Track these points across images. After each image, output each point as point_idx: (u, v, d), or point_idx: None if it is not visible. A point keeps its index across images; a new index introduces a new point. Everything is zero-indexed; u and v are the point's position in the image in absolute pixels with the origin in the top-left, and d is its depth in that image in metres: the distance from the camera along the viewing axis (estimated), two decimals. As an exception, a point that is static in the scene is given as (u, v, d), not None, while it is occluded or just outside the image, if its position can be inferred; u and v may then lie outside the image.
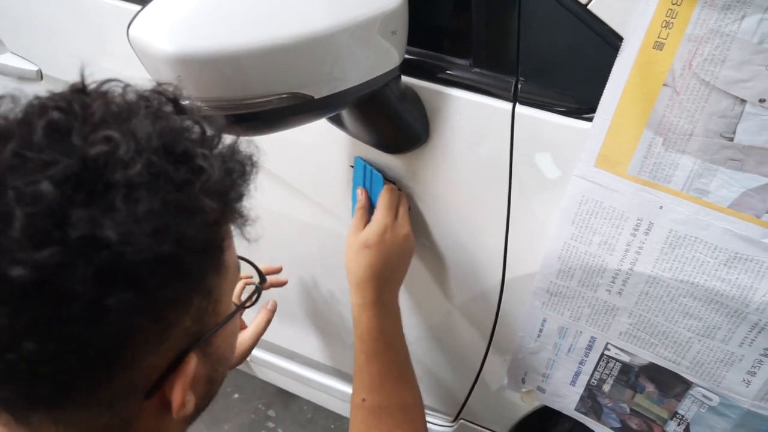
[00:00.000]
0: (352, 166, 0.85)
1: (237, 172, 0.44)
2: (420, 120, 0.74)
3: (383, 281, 0.77)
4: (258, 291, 0.58)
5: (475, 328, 0.92)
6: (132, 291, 0.36)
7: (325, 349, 1.25)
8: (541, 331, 0.82)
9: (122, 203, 0.35)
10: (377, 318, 0.75)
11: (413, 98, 0.73)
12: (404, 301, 0.87)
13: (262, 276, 0.59)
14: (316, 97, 0.59)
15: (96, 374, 0.39)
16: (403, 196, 0.82)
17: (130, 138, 0.37)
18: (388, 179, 0.82)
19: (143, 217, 0.36)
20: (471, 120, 0.73)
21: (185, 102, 0.45)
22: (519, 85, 0.68)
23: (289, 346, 1.32)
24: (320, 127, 0.82)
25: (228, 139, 0.45)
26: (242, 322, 0.93)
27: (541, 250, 0.74)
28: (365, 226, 0.80)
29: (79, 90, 0.41)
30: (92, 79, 0.42)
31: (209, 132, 0.43)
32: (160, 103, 0.42)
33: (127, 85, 0.42)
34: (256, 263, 0.61)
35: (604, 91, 0.62)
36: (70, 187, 0.35)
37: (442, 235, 0.84)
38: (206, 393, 0.50)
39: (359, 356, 0.75)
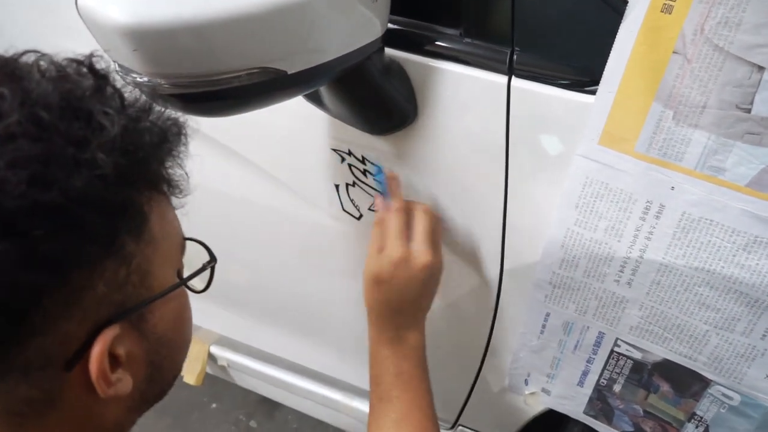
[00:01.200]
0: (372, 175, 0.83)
1: (153, 135, 0.48)
2: (407, 97, 0.74)
3: (402, 316, 0.75)
4: (204, 268, 0.59)
5: (473, 325, 0.92)
6: (11, 240, 0.38)
7: (310, 353, 1.26)
8: (544, 326, 0.82)
9: None
10: (394, 358, 0.75)
11: (398, 73, 0.73)
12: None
13: (211, 254, 0.60)
14: (289, 72, 0.58)
15: (1, 334, 0.41)
16: (423, 212, 0.76)
17: (18, 94, 0.41)
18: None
19: (19, 163, 0.38)
20: (462, 95, 0.73)
21: (103, 70, 0.48)
22: (514, 56, 0.68)
23: (270, 349, 1.32)
24: (296, 107, 0.81)
25: (151, 104, 0.49)
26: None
27: (543, 238, 0.75)
28: (383, 250, 0.75)
29: None
30: (13, 51, 0.45)
31: (128, 97, 0.47)
32: (73, 70, 0.46)
33: (42, 55, 0.45)
34: (207, 243, 0.62)
35: (608, 60, 0.62)
36: None
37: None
38: (150, 378, 0.51)
39: (373, 399, 0.75)
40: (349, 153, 0.84)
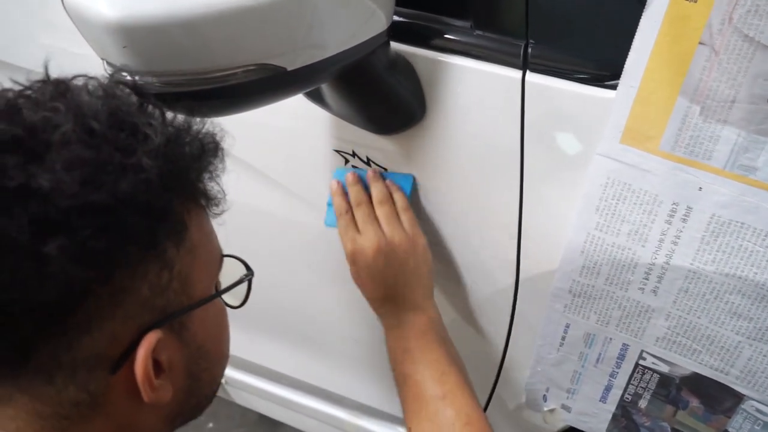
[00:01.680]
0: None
1: (193, 148, 0.52)
2: (414, 94, 0.74)
3: (399, 301, 0.80)
4: (242, 281, 0.63)
5: (486, 338, 0.92)
6: (64, 237, 0.43)
7: (314, 367, 1.25)
8: (563, 338, 0.82)
9: (56, 156, 0.44)
10: (400, 340, 0.79)
11: (405, 68, 0.73)
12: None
13: (248, 268, 0.64)
14: (289, 69, 0.58)
15: (49, 333, 0.45)
16: (387, 188, 0.81)
17: (71, 108, 0.46)
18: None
19: (74, 167, 0.44)
20: (474, 92, 0.72)
21: (146, 90, 0.52)
22: (529, 49, 0.68)
23: (271, 364, 1.32)
24: (296, 106, 0.81)
25: (191, 120, 0.53)
26: None
27: (561, 244, 0.74)
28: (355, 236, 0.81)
29: (42, 81, 0.49)
30: (60, 73, 0.50)
31: (167, 113, 0.51)
32: (119, 90, 0.50)
33: (90, 78, 0.50)
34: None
35: (630, 53, 0.62)
36: (10, 147, 0.44)
37: (444, 228, 0.84)
38: (189, 389, 0.56)
39: (396, 385, 0.80)
40: (354, 154, 0.84)
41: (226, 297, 0.61)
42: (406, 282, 0.80)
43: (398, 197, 0.82)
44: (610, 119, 0.65)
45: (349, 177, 0.83)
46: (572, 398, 0.87)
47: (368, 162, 0.83)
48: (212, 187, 0.56)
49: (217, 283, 0.59)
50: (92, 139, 0.45)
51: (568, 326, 0.80)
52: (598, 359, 0.81)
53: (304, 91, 0.75)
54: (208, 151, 0.54)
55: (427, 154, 0.79)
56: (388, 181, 0.82)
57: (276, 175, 0.95)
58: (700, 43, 0.58)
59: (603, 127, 0.66)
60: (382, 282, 0.80)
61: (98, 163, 0.45)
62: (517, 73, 0.69)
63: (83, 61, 0.52)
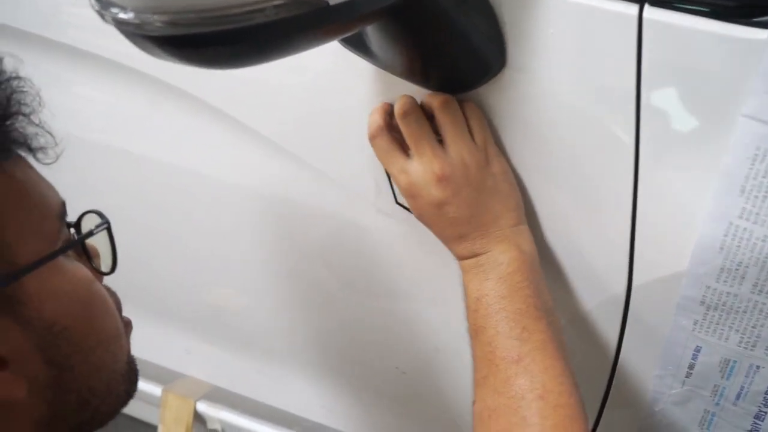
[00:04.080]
0: None
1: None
2: (490, 37, 0.73)
3: (478, 234, 0.80)
4: (91, 233, 0.68)
5: (583, 372, 0.90)
6: None
7: (338, 409, 1.26)
8: (692, 367, 0.81)
9: None
10: (478, 284, 0.80)
11: (478, 3, 0.72)
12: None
13: (102, 216, 0.69)
14: (331, 2, 0.57)
15: None
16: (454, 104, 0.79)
17: None
18: None
19: None
20: (572, 34, 0.72)
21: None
22: (648, -26, 0.67)
23: (282, 404, 1.33)
24: (327, 57, 0.82)
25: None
26: None
27: (690, 239, 0.73)
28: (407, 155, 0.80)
29: None
30: None
31: None
32: None
33: None
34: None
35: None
36: None
37: (528, 217, 0.84)
38: (56, 383, 0.58)
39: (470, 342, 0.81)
40: None
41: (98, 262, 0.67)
42: (485, 209, 0.80)
43: (468, 107, 0.80)
44: (761, 68, 0.64)
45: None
46: (702, 448, 0.87)
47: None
48: (28, 131, 0.60)
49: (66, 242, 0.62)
50: None
51: (698, 350, 0.79)
52: (739, 395, 0.80)
53: (347, 35, 0.74)
54: (14, 95, 0.58)
55: (506, 118, 0.78)
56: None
57: (297, 149, 0.95)
58: None
59: (750, 80, 0.65)
60: (454, 216, 0.79)
61: None
62: (632, 8, 0.68)
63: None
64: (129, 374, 0.69)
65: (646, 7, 0.68)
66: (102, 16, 0.56)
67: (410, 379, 1.10)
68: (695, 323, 0.78)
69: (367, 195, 0.92)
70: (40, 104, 0.60)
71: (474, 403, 0.76)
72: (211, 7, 0.54)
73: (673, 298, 0.77)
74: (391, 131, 0.80)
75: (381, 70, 0.81)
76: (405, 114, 0.78)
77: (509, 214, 0.81)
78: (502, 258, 0.79)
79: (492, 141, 0.80)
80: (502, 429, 0.71)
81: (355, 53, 0.81)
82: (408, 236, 0.94)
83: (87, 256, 0.69)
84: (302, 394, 1.28)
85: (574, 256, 0.84)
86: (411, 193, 0.80)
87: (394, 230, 0.95)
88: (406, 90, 0.80)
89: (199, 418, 1.46)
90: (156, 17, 0.54)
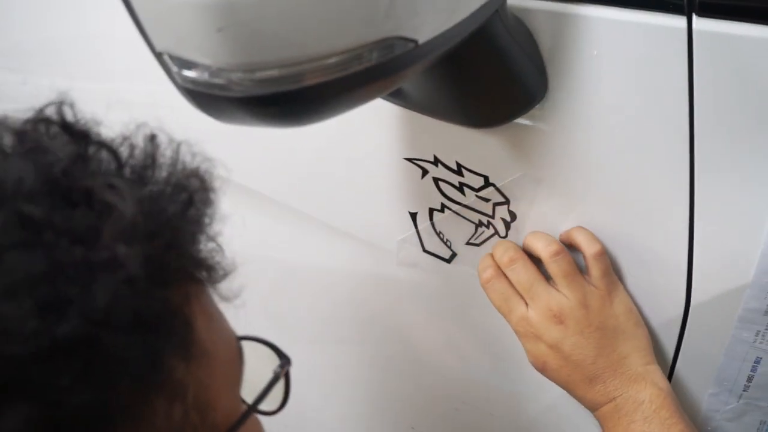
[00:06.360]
0: None
1: (177, 201, 0.48)
2: (534, 65, 0.72)
3: (608, 377, 0.78)
4: (276, 379, 0.59)
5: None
6: (30, 403, 0.38)
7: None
8: (750, 379, 0.80)
9: None
10: (619, 429, 0.77)
11: (521, 30, 0.71)
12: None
13: (281, 355, 0.61)
14: (420, 41, 0.54)
15: None
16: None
17: None
18: None
19: (19, 289, 0.38)
20: (616, 54, 0.70)
21: (79, 123, 0.48)
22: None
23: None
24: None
25: (157, 154, 0.50)
26: None
27: (755, 250, 0.72)
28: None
29: None
30: None
31: (121, 155, 0.48)
32: (41, 133, 0.47)
33: None
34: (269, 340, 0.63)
35: None
36: None
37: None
38: None
39: None
40: (436, 161, 0.82)
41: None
42: (611, 349, 0.78)
43: (579, 234, 0.80)
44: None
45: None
46: (757, 462, 0.86)
47: (459, 170, 0.80)
48: (209, 248, 0.52)
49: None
50: (33, 235, 0.40)
51: (758, 361, 0.78)
52: (800, 402, 0.80)
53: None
54: (195, 195, 0.50)
55: (549, 147, 0.77)
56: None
57: (310, 206, 0.93)
58: None
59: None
60: (579, 357, 0.78)
61: (53, 272, 0.40)
62: (680, 21, 0.67)
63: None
64: None
65: (695, 17, 0.67)
66: (175, 80, 0.51)
67: None
68: (757, 334, 0.77)
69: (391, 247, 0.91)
70: (215, 203, 0.52)
71: None
72: (310, 58, 0.50)
73: (731, 313, 0.77)
74: (499, 271, 0.81)
75: (405, 111, 0.79)
76: (512, 261, 0.79)
77: (638, 353, 0.79)
78: (642, 396, 0.76)
79: (612, 275, 0.80)
80: None
81: (385, 99, 0.79)
82: (434, 288, 0.92)
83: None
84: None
85: (628, 278, 0.83)
86: (531, 336, 0.79)
87: (418, 282, 0.92)
88: (435, 130, 0.79)
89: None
90: (244, 75, 0.50)
